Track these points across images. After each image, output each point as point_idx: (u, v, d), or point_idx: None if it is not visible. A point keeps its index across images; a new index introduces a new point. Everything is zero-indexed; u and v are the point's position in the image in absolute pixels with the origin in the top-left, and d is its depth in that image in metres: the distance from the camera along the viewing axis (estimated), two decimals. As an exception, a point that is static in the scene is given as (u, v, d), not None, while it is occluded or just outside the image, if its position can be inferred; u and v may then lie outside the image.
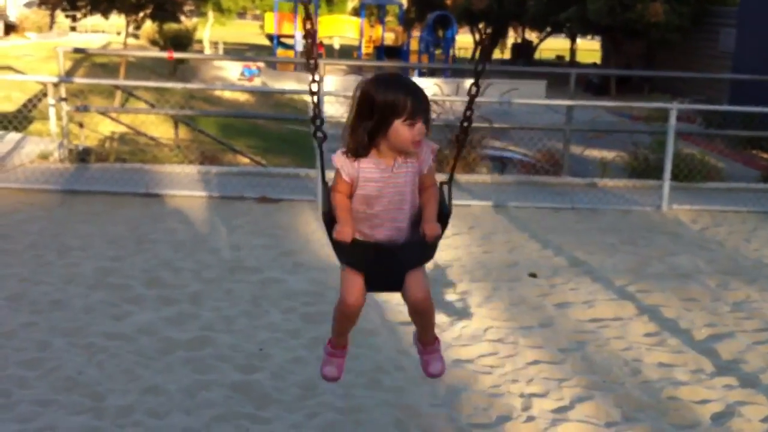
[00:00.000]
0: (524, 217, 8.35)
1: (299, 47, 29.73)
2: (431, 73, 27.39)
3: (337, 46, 35.07)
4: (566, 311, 5.77)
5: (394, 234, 2.82)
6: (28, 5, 31.50)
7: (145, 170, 9.53)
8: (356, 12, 40.67)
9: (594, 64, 37.13)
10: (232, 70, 29.71)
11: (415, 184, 2.80)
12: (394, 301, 5.65)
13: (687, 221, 8.49)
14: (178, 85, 12.98)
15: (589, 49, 42.61)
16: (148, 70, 23.66)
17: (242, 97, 22.33)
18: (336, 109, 12.23)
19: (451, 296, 5.98)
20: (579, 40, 38.02)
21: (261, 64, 29.20)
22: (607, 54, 33.23)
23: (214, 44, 38.33)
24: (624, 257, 7.11)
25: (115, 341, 4.93)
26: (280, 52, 32.56)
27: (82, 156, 9.96)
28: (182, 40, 27.68)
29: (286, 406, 4.25)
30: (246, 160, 12.52)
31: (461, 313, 5.65)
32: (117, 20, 24.14)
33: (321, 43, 31.61)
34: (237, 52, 38.39)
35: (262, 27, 40.49)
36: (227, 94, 22.20)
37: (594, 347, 5.16)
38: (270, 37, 35.19)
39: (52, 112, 9.54)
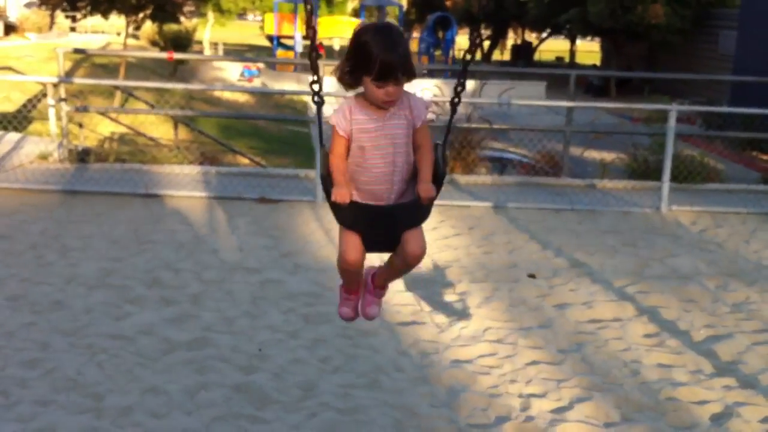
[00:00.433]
0: (524, 218, 8.36)
1: (299, 48, 29.77)
2: (431, 74, 27.40)
3: (337, 47, 35.08)
4: (565, 312, 5.78)
5: (389, 189, 2.86)
6: (28, 6, 31.48)
7: (145, 171, 9.54)
8: (356, 13, 40.70)
9: (594, 66, 37.14)
10: (232, 71, 29.73)
11: (408, 137, 2.84)
12: (393, 302, 5.66)
13: (687, 223, 8.50)
14: (178, 86, 12.99)
15: (589, 50, 42.65)
16: (148, 71, 23.67)
17: (242, 97, 22.34)
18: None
19: (450, 297, 5.98)
20: (579, 42, 38.06)
21: (261, 65, 29.23)
22: (607, 55, 33.26)
23: (214, 45, 38.34)
24: (623, 258, 7.12)
25: (116, 342, 4.93)
26: (279, 53, 32.59)
27: (82, 156, 9.96)
28: (182, 41, 27.70)
29: (286, 406, 4.26)
30: (246, 161, 12.53)
31: (460, 313, 5.65)
32: (117, 21, 24.14)
33: (321, 44, 31.60)
34: (237, 53, 38.41)
35: (262, 28, 40.53)
36: (227, 95, 22.21)
37: (593, 348, 5.16)
38: (270, 38, 35.23)
39: (51, 112, 9.54)
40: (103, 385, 4.39)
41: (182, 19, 24.10)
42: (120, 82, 15.78)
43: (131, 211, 8.01)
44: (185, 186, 8.91)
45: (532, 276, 6.53)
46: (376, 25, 2.80)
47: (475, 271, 6.56)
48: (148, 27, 25.23)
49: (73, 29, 34.65)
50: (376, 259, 3.17)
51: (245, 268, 6.41)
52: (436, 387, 4.51)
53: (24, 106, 11.22)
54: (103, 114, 12.98)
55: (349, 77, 2.79)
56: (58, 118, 9.57)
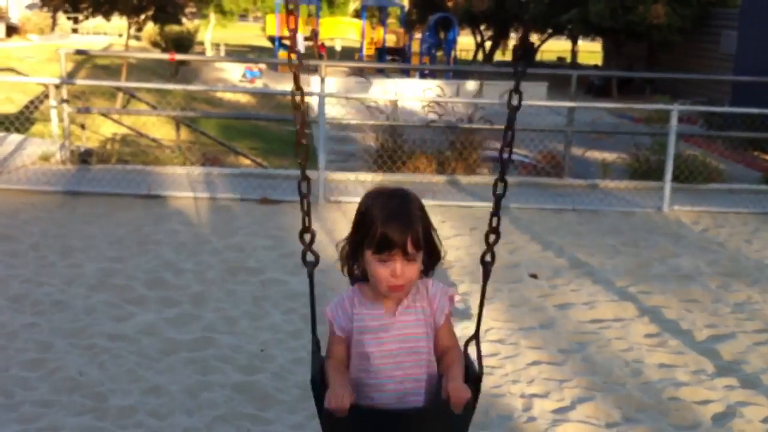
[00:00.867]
0: (525, 219, 8.36)
1: (301, 49, 29.77)
2: (432, 74, 27.41)
3: (338, 48, 35.11)
4: (567, 312, 5.78)
5: (403, 407, 2.13)
6: (30, 7, 31.51)
7: (147, 171, 9.54)
8: (358, 14, 40.70)
9: (595, 66, 37.14)
10: (233, 72, 29.74)
11: (429, 340, 2.18)
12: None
13: (688, 222, 8.49)
14: (179, 87, 13.00)
15: (591, 50, 42.65)
16: (150, 72, 23.69)
17: (243, 98, 22.36)
18: (337, 111, 12.27)
19: (452, 297, 5.98)
20: (580, 42, 38.06)
21: (262, 66, 29.25)
22: (609, 56, 33.26)
23: (216, 46, 38.37)
24: (625, 258, 7.11)
25: (117, 342, 4.94)
26: (281, 54, 32.59)
27: (84, 157, 9.97)
28: (184, 42, 27.76)
29: (288, 406, 4.26)
30: (247, 162, 12.54)
31: (462, 314, 5.65)
32: (119, 22, 24.16)
33: (323, 44, 31.66)
34: (238, 54, 38.43)
35: (263, 29, 40.55)
36: (229, 96, 22.24)
37: (595, 348, 5.16)
38: (271, 39, 35.24)
39: (53, 113, 9.55)
40: (105, 385, 4.40)
41: (184, 20, 24.15)
42: (122, 83, 15.80)
43: (133, 211, 8.02)
44: (187, 187, 8.92)
45: (533, 276, 6.53)
46: (384, 188, 2.24)
47: (477, 271, 6.53)
48: (150, 28, 25.28)
49: (74, 30, 34.70)
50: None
51: (247, 269, 6.42)
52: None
53: (26, 107, 11.23)
54: (105, 115, 12.99)
55: (350, 257, 2.19)
56: (60, 119, 9.58)
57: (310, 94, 8.23)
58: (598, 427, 4.19)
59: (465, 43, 41.85)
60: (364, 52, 33.11)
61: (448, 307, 2.23)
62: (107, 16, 20.00)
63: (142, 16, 20.11)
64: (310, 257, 2.27)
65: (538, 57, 41.77)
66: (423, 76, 26.53)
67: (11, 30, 29.83)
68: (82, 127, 11.60)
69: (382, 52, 33.26)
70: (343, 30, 35.22)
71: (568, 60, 40.56)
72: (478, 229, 7.86)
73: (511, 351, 5.07)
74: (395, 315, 2.14)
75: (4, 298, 5.58)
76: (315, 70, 10.65)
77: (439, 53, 32.05)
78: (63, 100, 9.56)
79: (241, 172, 10.00)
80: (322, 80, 9.81)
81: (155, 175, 9.44)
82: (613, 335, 5.38)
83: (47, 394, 4.28)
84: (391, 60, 32.77)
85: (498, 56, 42.67)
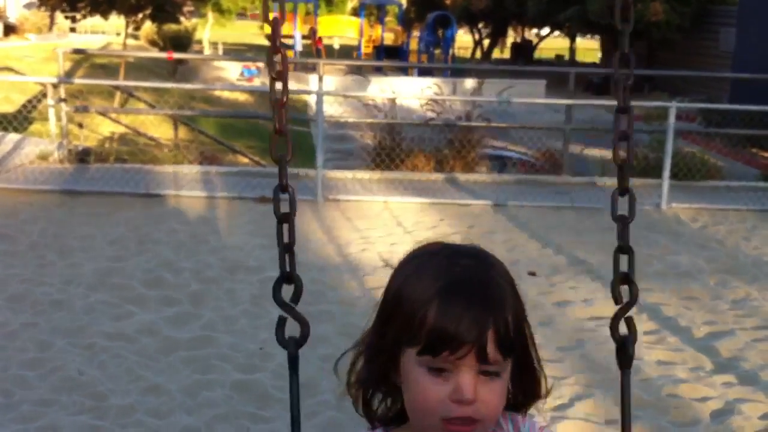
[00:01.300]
0: (524, 216, 8.36)
1: (299, 47, 29.76)
2: (430, 72, 27.40)
3: (336, 46, 35.08)
4: (566, 310, 5.78)
5: None
6: (27, 6, 31.49)
7: (145, 170, 9.54)
8: (356, 12, 40.68)
9: (594, 64, 37.14)
10: (231, 70, 29.69)
11: None
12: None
13: (687, 220, 8.50)
14: (177, 86, 13.00)
15: (589, 48, 42.64)
16: (148, 71, 23.66)
17: (242, 97, 22.34)
18: (335, 109, 12.26)
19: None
20: (578, 39, 38.05)
21: (260, 65, 29.19)
22: (607, 53, 33.23)
23: (214, 45, 38.34)
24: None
25: (116, 341, 4.94)
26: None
27: (82, 156, 9.97)
28: (182, 41, 27.72)
29: (287, 405, 4.24)
30: (246, 160, 12.53)
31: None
32: (116, 21, 24.12)
33: (320, 39, 31.63)
34: (236, 52, 38.40)
35: (261, 28, 40.52)
36: (227, 95, 22.21)
37: (594, 345, 5.16)
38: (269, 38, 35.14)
39: (51, 112, 9.55)
40: (104, 384, 4.40)
41: (182, 19, 24.11)
42: (120, 82, 15.79)
43: (131, 211, 8.01)
44: (185, 186, 8.92)
45: (532, 274, 6.53)
46: (438, 244, 1.26)
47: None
48: (148, 27, 25.23)
49: (72, 30, 34.64)
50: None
51: (245, 267, 6.42)
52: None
53: (24, 106, 11.23)
54: (103, 114, 12.98)
55: (369, 376, 1.25)
56: (58, 118, 9.57)
57: (308, 92, 8.27)
58: (597, 425, 4.20)
59: (463, 41, 41.83)
60: (362, 50, 33.08)
61: None
62: (105, 15, 19.96)
63: (140, 15, 20.06)
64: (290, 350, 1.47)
65: (537, 54, 41.76)
66: (421, 73, 26.50)
67: (9, 29, 29.80)
68: (80, 126, 11.59)
69: (380, 51, 33.24)
70: (341, 28, 35.18)
71: (567, 58, 40.54)
72: (476, 227, 7.86)
73: (510, 349, 5.07)
74: None
75: (3, 298, 5.58)
76: (313, 68, 10.64)
77: (438, 51, 32.02)
78: (61, 99, 9.55)
79: (240, 171, 10.00)
80: (320, 78, 9.81)
81: (153, 174, 9.43)
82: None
83: (46, 394, 4.28)
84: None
85: (496, 54, 42.66)
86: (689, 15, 25.89)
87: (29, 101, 10.94)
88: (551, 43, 43.90)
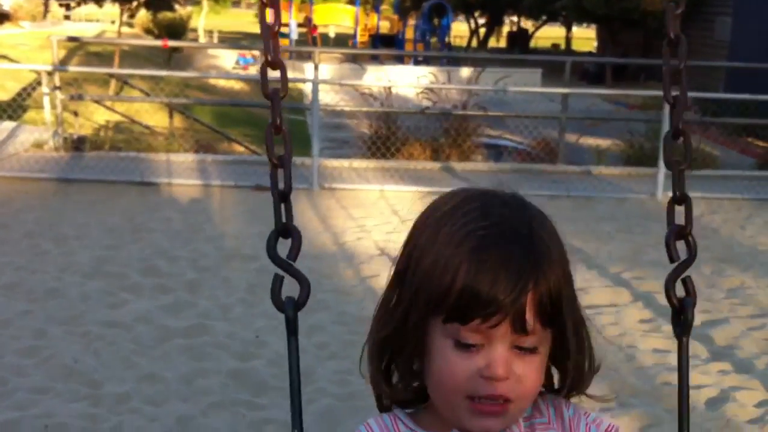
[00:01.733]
0: (520, 205, 8.36)
1: (294, 36, 29.70)
2: (426, 61, 27.36)
3: (332, 35, 35.00)
4: (561, 298, 5.78)
5: None
6: (21, -6, 31.36)
7: (141, 159, 9.52)
8: (351, 0, 40.58)
9: (590, 53, 37.11)
10: (227, 58, 29.60)
11: None
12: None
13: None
14: (173, 74, 12.96)
15: (585, 37, 42.61)
16: (143, 59, 23.58)
17: (237, 85, 22.28)
18: (331, 98, 12.24)
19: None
20: (575, 29, 38.02)
21: (256, 53, 29.09)
22: (603, 43, 33.23)
23: (209, 33, 38.21)
24: (619, 245, 7.13)
25: (112, 329, 4.93)
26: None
27: (77, 145, 9.94)
28: (177, 29, 27.59)
29: (283, 393, 4.26)
30: (241, 149, 12.51)
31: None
32: (111, 9, 24.04)
33: (316, 27, 31.55)
34: (232, 40, 38.28)
35: (256, 16, 40.37)
36: (222, 83, 22.16)
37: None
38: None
39: (46, 100, 9.52)
40: (99, 372, 4.39)
41: (177, 6, 24.03)
42: (115, 70, 15.73)
43: (127, 199, 8.00)
44: (181, 174, 8.90)
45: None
46: (470, 189, 1.19)
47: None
48: (143, 15, 25.13)
49: (67, 17, 34.54)
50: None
51: (241, 256, 6.41)
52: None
53: (18, 94, 11.17)
54: (98, 102, 12.93)
55: (383, 349, 1.10)
56: (53, 106, 9.54)
57: (303, 81, 8.27)
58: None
59: (459, 29, 41.75)
60: (358, 38, 33.02)
61: None
62: (100, 2, 19.91)
63: (135, 3, 20.03)
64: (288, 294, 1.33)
65: (533, 44, 41.72)
66: (417, 62, 26.46)
67: (3, 17, 29.66)
68: (75, 114, 11.55)
69: (375, 39, 33.18)
70: (337, 17, 35.13)
71: (563, 47, 40.50)
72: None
73: (506, 337, 5.08)
74: None
75: (-3, 286, 5.57)
76: (309, 57, 10.62)
77: (434, 40, 31.96)
78: (55, 87, 9.52)
79: (235, 159, 9.99)
80: (316, 67, 9.79)
81: (149, 162, 9.41)
82: (607, 321, 5.40)
83: (42, 381, 4.27)
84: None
85: (492, 43, 42.60)
86: (685, 4, 25.88)
87: (24, 89, 10.90)
88: (547, 32, 43.84)
